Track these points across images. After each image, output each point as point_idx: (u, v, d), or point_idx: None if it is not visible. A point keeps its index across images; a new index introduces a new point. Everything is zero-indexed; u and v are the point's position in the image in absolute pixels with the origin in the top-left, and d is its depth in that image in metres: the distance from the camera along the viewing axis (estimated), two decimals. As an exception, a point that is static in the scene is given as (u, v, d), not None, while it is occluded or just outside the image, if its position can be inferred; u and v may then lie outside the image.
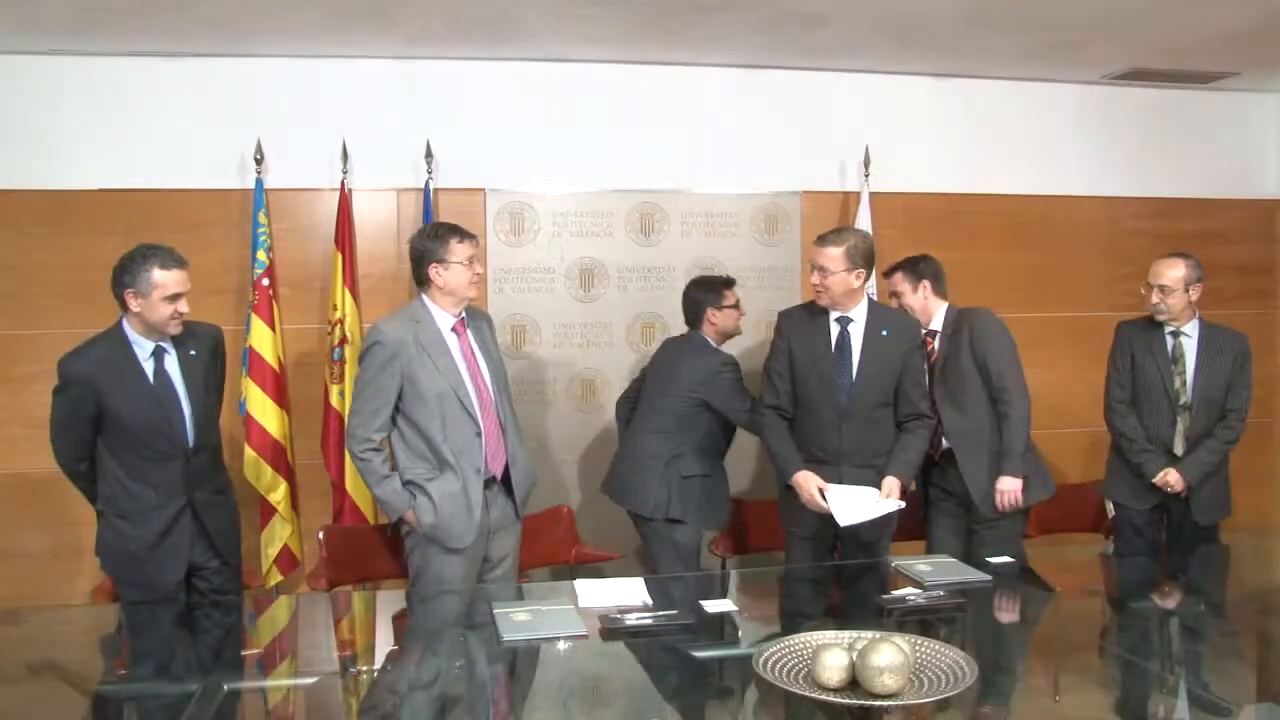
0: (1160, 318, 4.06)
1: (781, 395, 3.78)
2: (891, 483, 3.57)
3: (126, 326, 3.31)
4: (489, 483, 3.57)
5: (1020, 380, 3.89)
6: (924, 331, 3.95)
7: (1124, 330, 4.22)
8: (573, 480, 5.00)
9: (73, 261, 4.54)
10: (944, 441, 3.91)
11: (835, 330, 3.70)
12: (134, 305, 3.24)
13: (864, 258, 3.63)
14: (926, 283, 4.00)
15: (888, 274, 4.12)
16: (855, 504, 3.52)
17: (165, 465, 3.30)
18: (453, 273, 3.51)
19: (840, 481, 3.61)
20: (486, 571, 3.64)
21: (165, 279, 3.22)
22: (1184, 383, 4.04)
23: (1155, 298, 4.03)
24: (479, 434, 3.52)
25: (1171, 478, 3.98)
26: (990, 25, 4.44)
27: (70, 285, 4.54)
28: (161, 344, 3.33)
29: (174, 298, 3.23)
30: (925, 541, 4.10)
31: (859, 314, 3.70)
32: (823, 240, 3.67)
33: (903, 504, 3.59)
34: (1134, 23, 4.41)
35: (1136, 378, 4.13)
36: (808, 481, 3.60)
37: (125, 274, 3.23)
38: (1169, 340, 4.07)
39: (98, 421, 3.26)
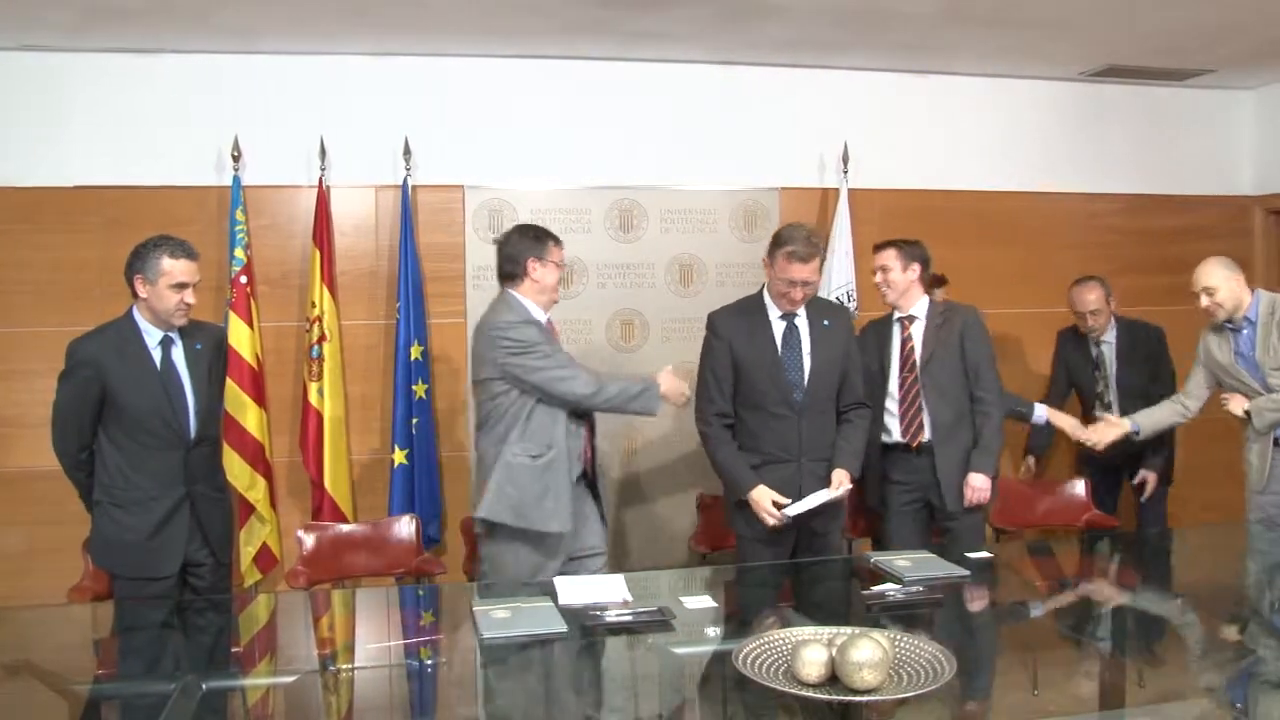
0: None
1: (725, 400, 3.72)
2: (841, 474, 3.62)
3: (136, 314, 3.37)
4: (579, 478, 3.64)
5: (999, 382, 3.97)
6: (900, 317, 3.99)
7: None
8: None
9: (49, 259, 4.51)
10: (925, 433, 3.90)
11: (781, 327, 3.69)
12: (142, 291, 3.31)
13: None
14: (917, 265, 3.95)
15: (880, 248, 4.05)
16: (806, 500, 3.57)
17: (166, 454, 3.35)
18: (549, 271, 3.60)
19: (800, 478, 3.62)
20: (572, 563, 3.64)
21: (173, 267, 3.30)
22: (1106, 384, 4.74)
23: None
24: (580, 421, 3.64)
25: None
26: (968, 22, 4.46)
27: (46, 283, 4.52)
28: (169, 334, 3.39)
29: (180, 287, 3.31)
30: (875, 538, 4.10)
31: (800, 307, 3.70)
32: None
33: (849, 487, 3.64)
34: (1110, 19, 4.44)
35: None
36: (764, 497, 3.59)
37: (137, 259, 3.31)
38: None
39: (101, 409, 3.30)
